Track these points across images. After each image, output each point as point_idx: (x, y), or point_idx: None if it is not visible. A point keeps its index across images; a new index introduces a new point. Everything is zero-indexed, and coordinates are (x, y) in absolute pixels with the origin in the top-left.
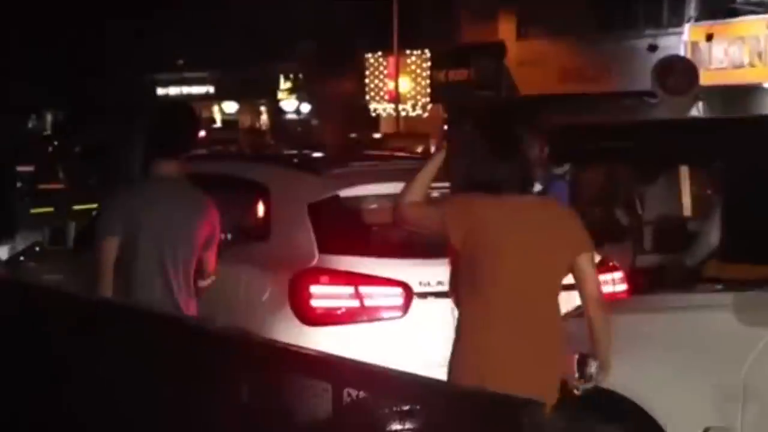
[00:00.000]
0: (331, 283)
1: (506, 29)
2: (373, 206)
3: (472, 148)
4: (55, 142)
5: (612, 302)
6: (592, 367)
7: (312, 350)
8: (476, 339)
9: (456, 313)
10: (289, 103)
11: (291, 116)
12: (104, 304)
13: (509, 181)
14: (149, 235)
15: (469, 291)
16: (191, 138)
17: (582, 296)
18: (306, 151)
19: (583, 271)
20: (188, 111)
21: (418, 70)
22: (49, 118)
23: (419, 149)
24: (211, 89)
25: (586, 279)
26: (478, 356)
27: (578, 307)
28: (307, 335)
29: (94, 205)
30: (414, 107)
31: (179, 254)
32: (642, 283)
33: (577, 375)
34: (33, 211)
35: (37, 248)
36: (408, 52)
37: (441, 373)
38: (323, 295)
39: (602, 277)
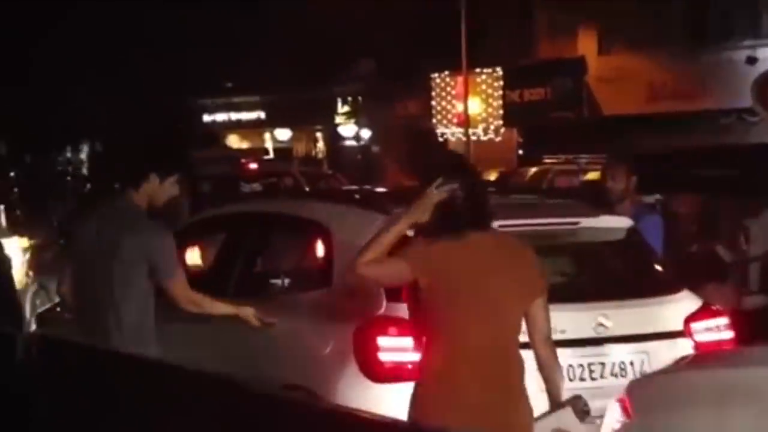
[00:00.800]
0: (401, 334)
1: (587, 44)
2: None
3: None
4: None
5: (716, 353)
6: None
7: (382, 416)
8: (441, 378)
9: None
10: (347, 129)
11: (350, 143)
12: (156, 364)
13: (469, 220)
14: None
15: (433, 331)
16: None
17: (531, 335)
18: (369, 186)
19: (535, 315)
20: None
21: (490, 90)
22: (85, 151)
23: (492, 177)
24: (262, 115)
25: (537, 322)
26: (443, 395)
27: (682, 358)
28: (374, 393)
29: None
30: (485, 131)
31: None
32: (749, 329)
33: (576, 416)
34: None
35: None
36: (478, 70)
37: None
38: (392, 348)
39: (705, 324)
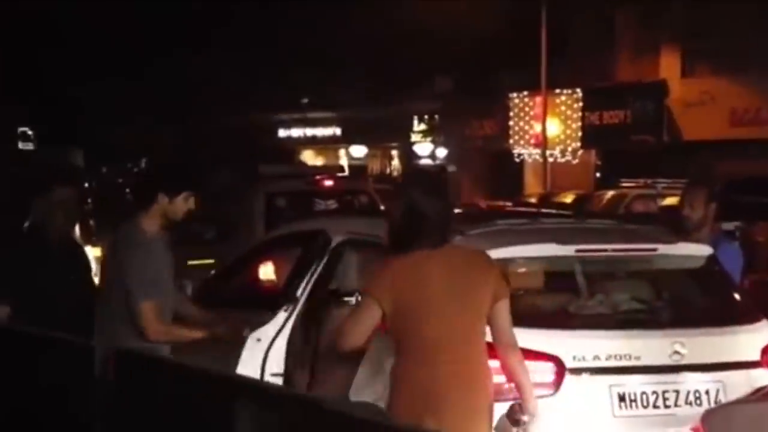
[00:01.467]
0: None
1: (670, 66)
2: (522, 270)
3: (411, 208)
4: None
5: None
6: (525, 417)
7: None
8: (412, 382)
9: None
10: (423, 147)
11: (425, 161)
12: (241, 381)
13: (446, 234)
14: None
15: (403, 340)
16: None
17: (498, 344)
18: None
19: (498, 318)
20: None
21: (569, 112)
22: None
23: (569, 199)
24: (337, 131)
25: (501, 327)
26: (414, 397)
27: (759, 389)
28: None
29: (211, 261)
30: (563, 153)
31: None
32: None
33: (510, 424)
34: None
35: None
36: (557, 91)
37: None
38: None
39: None
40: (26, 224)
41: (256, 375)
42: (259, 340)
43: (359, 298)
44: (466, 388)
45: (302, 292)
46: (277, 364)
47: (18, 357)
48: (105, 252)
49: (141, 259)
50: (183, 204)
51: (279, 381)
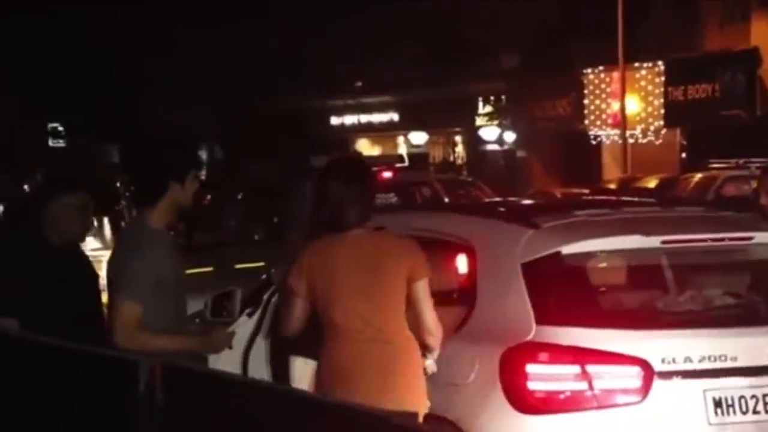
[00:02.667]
0: (552, 361)
1: (762, 33)
2: (603, 265)
3: (320, 194)
4: (210, 191)
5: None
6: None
7: None
8: (331, 359)
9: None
10: (489, 132)
11: (492, 147)
12: (297, 395)
13: (352, 219)
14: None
15: (322, 322)
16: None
17: (420, 324)
18: (514, 196)
19: (418, 299)
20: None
21: (650, 87)
22: (203, 155)
23: (652, 184)
24: (395, 117)
25: (417, 310)
26: (330, 377)
27: None
28: (523, 425)
29: (261, 263)
30: (644, 133)
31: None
32: None
33: None
34: (189, 271)
35: (197, 320)
36: (637, 65)
37: None
38: (543, 376)
39: None
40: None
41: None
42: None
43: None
44: (375, 368)
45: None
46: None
47: (54, 373)
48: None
49: (144, 259)
50: (192, 186)
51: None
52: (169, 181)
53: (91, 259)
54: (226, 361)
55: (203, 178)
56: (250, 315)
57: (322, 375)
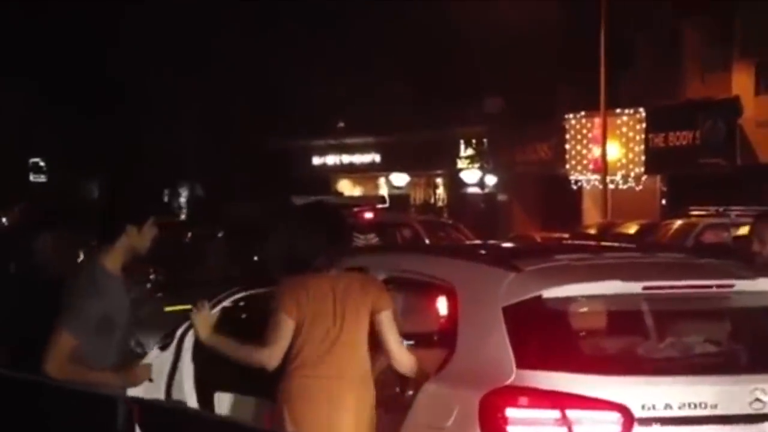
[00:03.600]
0: (532, 405)
1: (742, 82)
2: (584, 310)
3: (295, 236)
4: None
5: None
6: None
7: None
8: (283, 392)
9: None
10: (470, 174)
11: (473, 190)
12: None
13: (329, 262)
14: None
15: (297, 348)
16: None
17: (389, 356)
18: (494, 239)
19: (383, 330)
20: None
21: (631, 134)
22: (183, 195)
23: (632, 230)
24: (377, 158)
25: (387, 338)
26: (284, 405)
27: None
28: None
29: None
30: (625, 178)
31: None
32: None
33: None
34: (168, 309)
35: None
36: (618, 111)
37: None
38: (522, 421)
39: None
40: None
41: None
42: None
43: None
44: (323, 403)
45: None
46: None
47: (34, 408)
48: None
49: (90, 296)
50: (149, 232)
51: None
52: (125, 225)
53: None
54: (147, 393)
55: (183, 217)
56: (162, 349)
57: (276, 407)
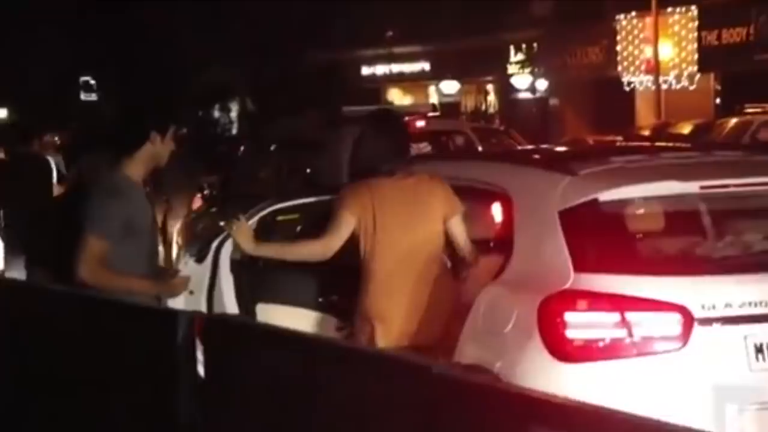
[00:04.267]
0: (591, 308)
1: None
2: (641, 212)
3: (361, 142)
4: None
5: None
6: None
7: (574, 401)
8: (377, 295)
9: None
10: (521, 80)
11: (524, 95)
12: (328, 346)
13: (396, 166)
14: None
15: (369, 257)
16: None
17: (462, 252)
18: (549, 145)
19: (455, 233)
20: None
21: (683, 32)
22: (234, 109)
23: (686, 130)
24: (426, 66)
25: (457, 243)
26: (378, 307)
27: None
28: (561, 374)
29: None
30: (678, 78)
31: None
32: None
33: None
34: (222, 223)
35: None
36: (670, 9)
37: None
38: (581, 324)
39: None
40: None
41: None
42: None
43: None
44: (408, 314)
45: None
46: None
47: (93, 324)
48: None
49: (114, 199)
50: (169, 144)
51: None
52: (150, 132)
53: None
54: (188, 305)
55: (234, 131)
56: (198, 261)
57: (359, 312)
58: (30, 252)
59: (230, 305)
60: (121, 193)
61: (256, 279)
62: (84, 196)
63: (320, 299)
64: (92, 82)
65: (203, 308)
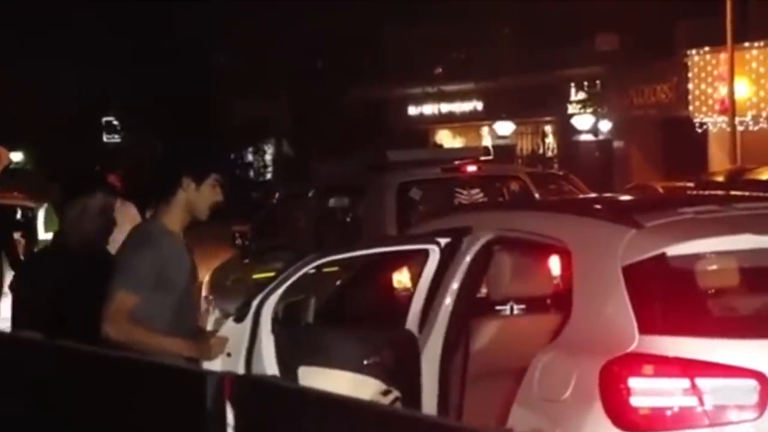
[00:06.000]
0: (658, 374)
1: None
2: (713, 267)
3: None
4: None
5: None
6: None
7: None
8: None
9: None
10: (583, 120)
11: (586, 137)
12: (368, 410)
13: None
14: None
15: None
16: None
17: None
18: (611, 192)
19: None
20: None
21: (762, 69)
22: (268, 153)
23: (766, 176)
24: (479, 105)
25: None
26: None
27: None
28: None
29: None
30: (756, 119)
31: None
32: None
33: None
34: (256, 276)
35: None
36: (747, 45)
37: None
38: (647, 391)
39: None
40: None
41: None
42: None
43: (514, 308)
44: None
45: (447, 302)
46: None
47: (119, 385)
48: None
49: (146, 251)
50: (210, 193)
51: None
52: (182, 177)
53: None
54: (224, 368)
55: (269, 176)
56: (237, 320)
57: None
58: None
59: (270, 368)
60: (155, 241)
61: (299, 339)
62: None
63: (365, 361)
64: (115, 122)
65: (241, 371)
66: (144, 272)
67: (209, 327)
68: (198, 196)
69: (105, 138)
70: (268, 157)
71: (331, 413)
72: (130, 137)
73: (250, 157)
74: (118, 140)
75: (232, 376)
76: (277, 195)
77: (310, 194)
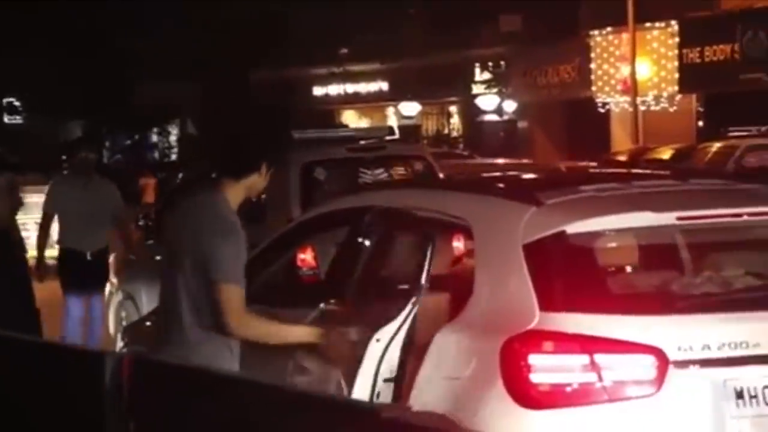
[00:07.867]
0: (558, 351)
1: None
2: (612, 245)
3: None
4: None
5: None
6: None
7: None
8: None
9: None
10: (487, 101)
11: (490, 117)
12: (260, 386)
13: None
14: None
15: None
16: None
17: None
18: (515, 172)
19: None
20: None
21: (663, 49)
22: (173, 133)
23: (666, 155)
24: (384, 86)
25: None
26: None
27: None
28: (526, 421)
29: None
30: (657, 99)
31: None
32: None
33: None
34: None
35: None
36: (648, 25)
37: None
38: (547, 368)
39: None
40: None
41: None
42: (378, 340)
43: None
44: None
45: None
46: (389, 368)
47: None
48: (168, 224)
49: (238, 241)
50: (265, 181)
51: (390, 388)
52: (263, 162)
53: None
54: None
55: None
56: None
57: None
58: None
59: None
60: (238, 230)
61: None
62: None
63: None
64: (17, 103)
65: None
66: (242, 263)
67: (112, 309)
68: (260, 182)
69: (6, 119)
70: (173, 138)
71: (228, 394)
72: (32, 118)
73: (154, 138)
74: (20, 121)
75: (131, 356)
76: (179, 176)
77: (213, 175)
